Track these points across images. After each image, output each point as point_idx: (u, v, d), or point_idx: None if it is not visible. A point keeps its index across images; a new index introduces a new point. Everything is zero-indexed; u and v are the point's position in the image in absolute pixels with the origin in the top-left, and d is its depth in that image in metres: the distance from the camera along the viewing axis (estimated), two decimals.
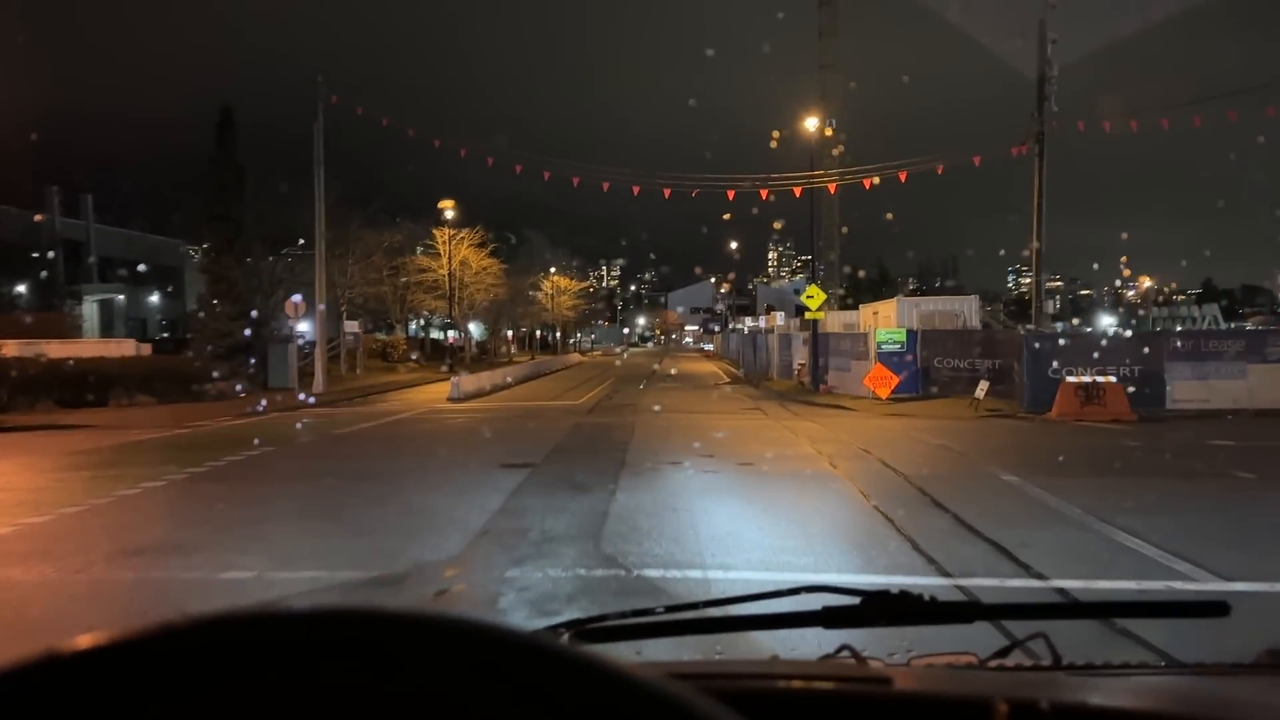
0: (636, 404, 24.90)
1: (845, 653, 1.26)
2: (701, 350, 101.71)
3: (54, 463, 13.74)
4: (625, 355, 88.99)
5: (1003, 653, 1.32)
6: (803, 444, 14.91)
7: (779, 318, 38.94)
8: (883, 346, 24.66)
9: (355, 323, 39.18)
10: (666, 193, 26.97)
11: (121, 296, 51.13)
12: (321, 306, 30.05)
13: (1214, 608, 1.30)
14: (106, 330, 48.65)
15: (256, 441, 15.99)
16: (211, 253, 30.02)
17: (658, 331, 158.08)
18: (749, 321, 70.20)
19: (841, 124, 39.79)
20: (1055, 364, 21.21)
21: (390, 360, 45.33)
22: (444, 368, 42.17)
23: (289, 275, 36.07)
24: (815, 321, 27.71)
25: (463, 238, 49.24)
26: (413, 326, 58.33)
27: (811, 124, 27.56)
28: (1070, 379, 20.42)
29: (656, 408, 23.34)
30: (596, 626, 1.35)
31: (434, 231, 48.44)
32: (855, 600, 1.23)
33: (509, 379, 35.58)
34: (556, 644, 0.38)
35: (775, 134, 27.66)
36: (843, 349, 27.43)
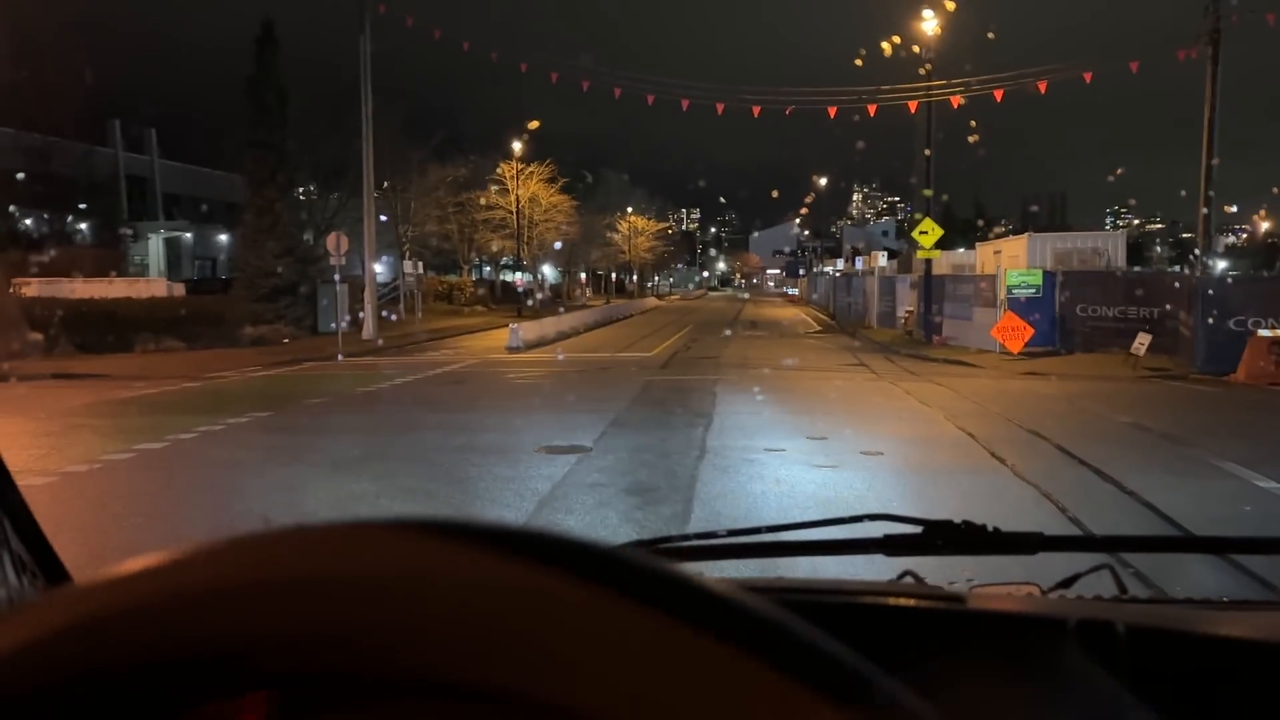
0: (718, 357, 21.57)
1: (908, 579, 1.20)
2: (784, 294, 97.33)
3: (25, 426, 11.15)
4: (704, 299, 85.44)
5: (1066, 583, 1.23)
6: (938, 417, 11.44)
7: (881, 258, 34.96)
8: (1014, 291, 20.76)
9: (414, 263, 36.51)
10: (756, 111, 23.27)
11: (189, 234, 49.59)
12: (369, 243, 27.34)
13: None
14: (174, 269, 47.18)
15: (256, 401, 13.24)
16: (252, 184, 27.45)
17: (738, 275, 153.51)
18: (840, 264, 65.77)
19: (955, 39, 35.07)
20: (1236, 314, 17.13)
21: (456, 303, 42.76)
22: (518, 312, 39.47)
23: (343, 211, 33.51)
24: (928, 262, 23.86)
25: (531, 172, 46.06)
26: (485, 269, 55.73)
27: (928, 26, 23.31)
28: (1263, 333, 16.36)
29: (742, 363, 19.98)
30: (662, 547, 1.32)
31: (501, 165, 45.37)
32: (917, 528, 1.21)
33: (578, 325, 32.55)
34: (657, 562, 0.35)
35: (888, 44, 23.48)
36: (960, 294, 23.56)
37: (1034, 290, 20.81)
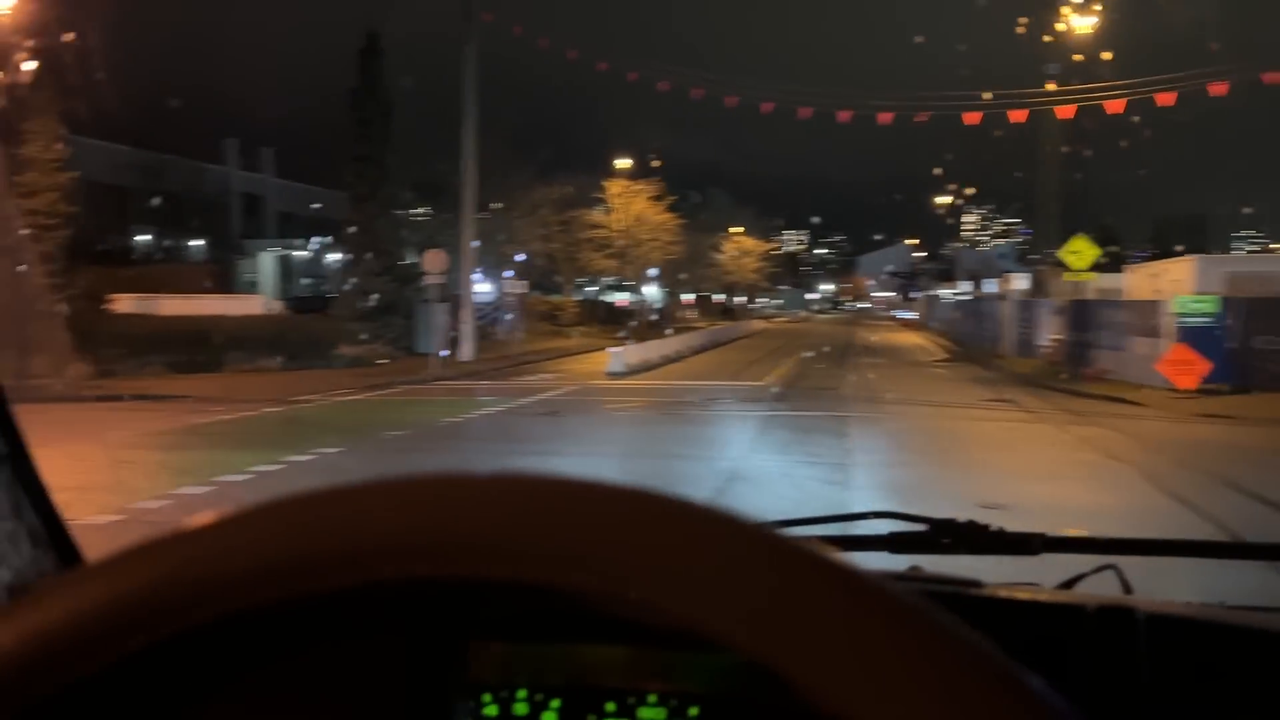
0: (839, 388, 19.52)
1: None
2: (895, 319, 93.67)
3: (68, 459, 10.07)
4: (810, 322, 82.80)
5: (1068, 584, 1.19)
6: (1135, 478, 9.25)
7: (1021, 281, 32.18)
8: (1185, 320, 18.10)
9: (518, 282, 35.49)
10: (884, 118, 21.22)
11: (300, 252, 50.03)
12: (469, 261, 26.31)
13: None
14: (285, 287, 47.60)
15: (333, 433, 11.96)
16: (353, 200, 26.77)
17: (846, 297, 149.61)
18: (964, 286, 62.31)
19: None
20: None
21: (558, 324, 41.64)
22: (621, 334, 38.10)
23: (445, 229, 32.72)
24: (1077, 285, 21.31)
25: (638, 190, 44.72)
26: (587, 289, 54.74)
27: (1081, 22, 20.87)
28: None
29: (868, 395, 17.88)
30: None
31: (605, 184, 44.18)
32: (922, 527, 1.23)
33: (683, 349, 30.85)
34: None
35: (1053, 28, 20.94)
36: (1115, 321, 20.92)
37: (1209, 319, 18.11)
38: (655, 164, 46.22)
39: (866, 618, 0.31)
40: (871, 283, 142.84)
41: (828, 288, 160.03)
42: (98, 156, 31.92)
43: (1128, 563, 1.20)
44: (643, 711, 0.88)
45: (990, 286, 38.81)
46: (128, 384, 18.50)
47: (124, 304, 22.28)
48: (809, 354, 31.98)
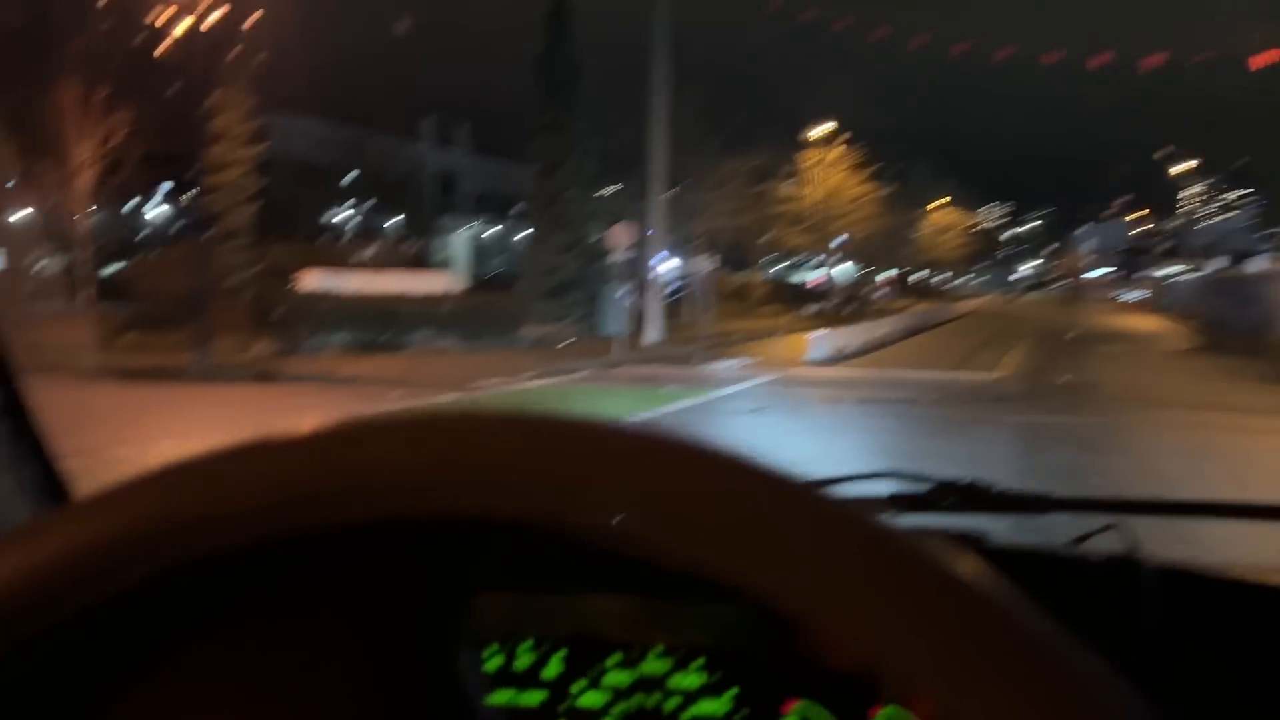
0: (1099, 384, 16.30)
1: None
2: (1115, 300, 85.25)
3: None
4: (1018, 303, 76.49)
5: (1076, 542, 1.18)
6: None
7: (1261, 260, 27.31)
8: None
9: (706, 259, 33.46)
10: (1149, 62, 17.60)
11: (491, 229, 50.10)
12: (657, 236, 24.51)
13: None
14: (478, 264, 47.78)
15: None
16: (540, 171, 25.52)
17: (1054, 275, 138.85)
18: (1220, 262, 55.24)
19: None
20: None
21: (746, 303, 39.40)
22: (812, 311, 35.52)
23: (634, 203, 31.09)
24: None
25: (836, 160, 41.63)
26: (776, 266, 52.06)
27: None
28: None
29: (1143, 396, 14.65)
30: None
31: (800, 154, 41.34)
32: (925, 487, 1.20)
33: (890, 333, 27.89)
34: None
35: None
36: None
37: None
38: (849, 134, 42.95)
39: (888, 562, 0.31)
40: (1086, 260, 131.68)
41: (1032, 265, 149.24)
42: (295, 134, 32.32)
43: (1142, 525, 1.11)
44: (648, 664, 0.89)
45: (1260, 264, 33.36)
46: (308, 364, 17.85)
47: (310, 280, 21.89)
48: (1034, 339, 28.25)
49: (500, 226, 49.41)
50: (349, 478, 0.34)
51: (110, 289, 22.74)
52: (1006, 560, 0.92)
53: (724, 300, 37.89)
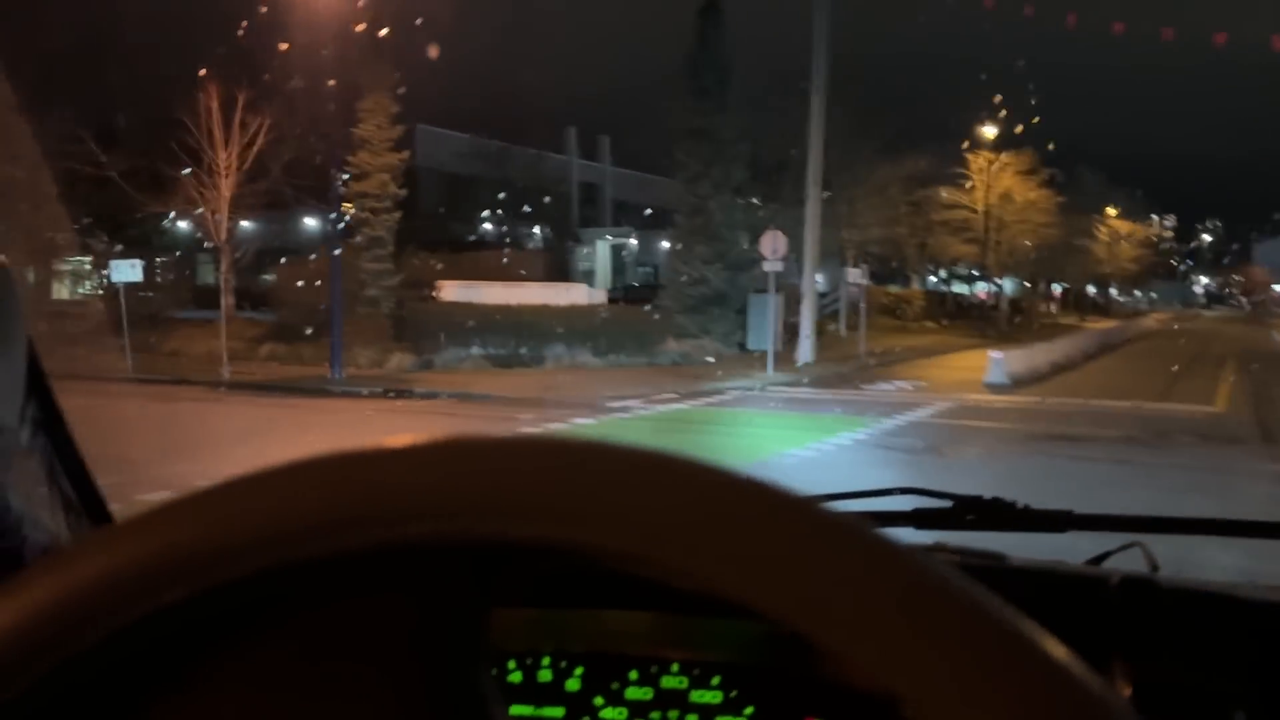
0: None
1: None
2: None
3: None
4: (1199, 319, 69.98)
5: (1096, 561, 1.20)
6: None
7: None
8: None
9: (861, 271, 31.27)
10: None
11: (633, 240, 49.25)
12: (813, 246, 22.75)
13: None
14: (618, 276, 46.97)
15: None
16: (685, 179, 24.15)
17: (1236, 291, 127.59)
18: None
19: None
20: None
21: (901, 319, 36.85)
22: (980, 332, 32.77)
23: (783, 211, 29.33)
24: None
25: (1006, 163, 38.56)
26: (931, 279, 48.96)
27: None
28: None
29: None
30: None
31: (967, 157, 38.51)
32: (947, 503, 1.23)
33: (1072, 353, 25.04)
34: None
35: None
36: None
37: None
38: (1017, 134, 39.67)
39: (891, 584, 0.31)
40: (1271, 273, 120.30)
41: (1209, 279, 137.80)
42: (437, 144, 32.21)
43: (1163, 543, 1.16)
44: (666, 679, 0.90)
45: None
46: (443, 378, 17.03)
47: (449, 291, 21.22)
48: (1238, 362, 24.83)
49: (640, 238, 48.53)
50: (373, 502, 0.34)
51: (253, 297, 22.77)
52: (1025, 580, 0.99)
53: (877, 314, 35.57)
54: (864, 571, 0.31)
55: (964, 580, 0.32)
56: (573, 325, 20.43)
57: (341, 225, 18.83)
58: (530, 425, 11.93)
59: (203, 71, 17.41)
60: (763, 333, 21.97)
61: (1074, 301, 66.24)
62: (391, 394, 15.48)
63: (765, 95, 27.98)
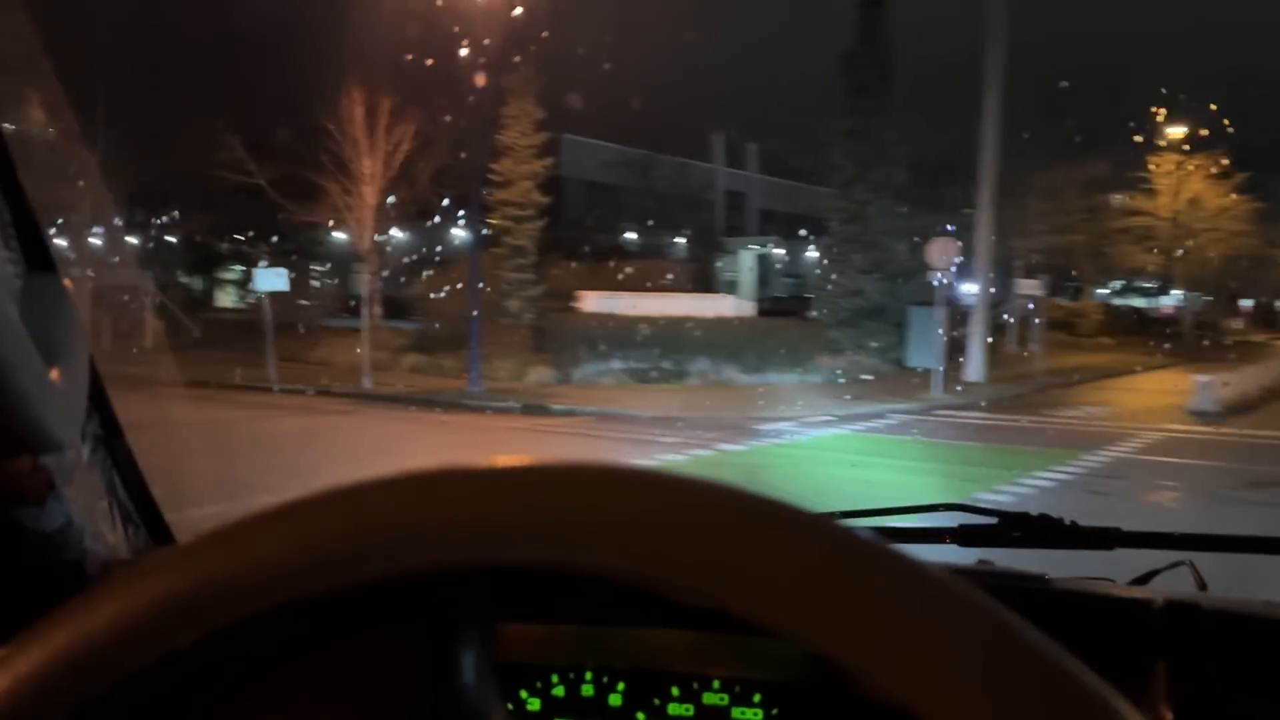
0: None
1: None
2: None
3: None
4: None
5: (1142, 580, 1.18)
6: None
7: None
8: None
9: (1034, 282, 28.75)
10: None
11: (779, 250, 47.70)
12: (985, 253, 20.84)
13: None
14: (763, 287, 45.52)
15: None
16: (840, 183, 22.63)
17: None
18: None
19: None
20: None
21: (1075, 334, 33.90)
22: (1164, 346, 29.63)
23: (943, 219, 27.26)
24: None
25: (1195, 166, 35.03)
26: (1098, 291, 45.19)
27: None
28: None
29: None
30: None
31: (1151, 160, 35.19)
32: (993, 520, 1.20)
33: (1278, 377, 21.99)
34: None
35: None
36: None
37: None
38: (1207, 135, 35.89)
39: (923, 610, 0.31)
40: None
41: None
42: (580, 153, 31.69)
43: (1211, 560, 1.13)
44: (707, 696, 0.91)
45: None
46: (581, 394, 16.14)
47: (590, 302, 20.43)
48: None
49: (786, 247, 46.89)
50: (402, 530, 0.35)
51: (397, 307, 22.63)
52: (1067, 601, 0.96)
53: (1050, 328, 32.79)
54: (882, 590, 0.31)
55: (988, 599, 0.32)
56: (718, 339, 19.25)
57: (483, 233, 18.31)
58: (671, 451, 10.81)
59: (349, 77, 17.18)
60: (926, 349, 20.15)
61: (1262, 317, 60.20)
62: (526, 410, 14.72)
63: (929, 94, 26.06)
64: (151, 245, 25.82)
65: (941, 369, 18.46)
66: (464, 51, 17.05)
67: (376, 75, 17.46)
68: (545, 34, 19.25)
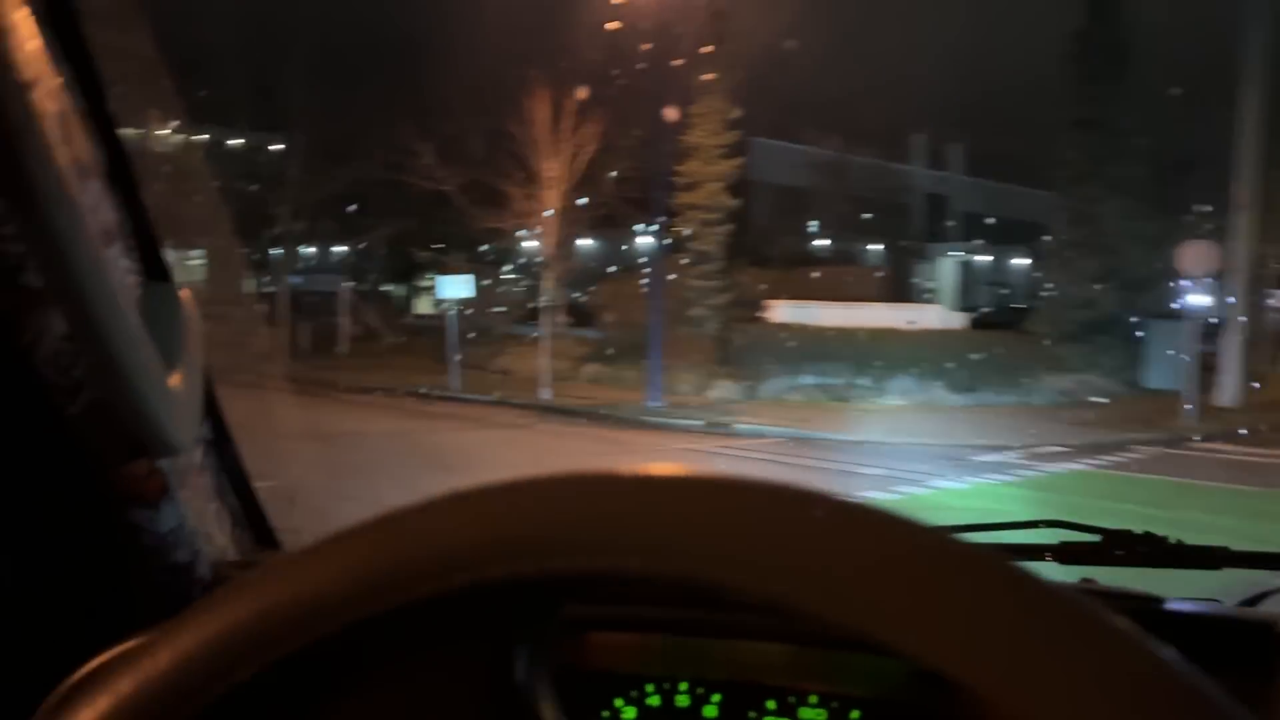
0: None
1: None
2: None
3: None
4: None
5: (1252, 601, 1.13)
6: None
7: None
8: None
9: None
10: None
11: (985, 257, 44.41)
12: (1244, 258, 17.94)
13: None
14: (967, 296, 42.55)
15: None
16: (1068, 179, 20.15)
17: None
18: None
19: None
20: None
21: None
22: None
23: (1182, 223, 24.00)
24: None
25: None
26: None
27: None
28: None
29: None
30: None
31: None
32: (1096, 537, 1.16)
33: None
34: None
35: None
36: None
37: None
38: None
39: (1050, 627, 0.30)
40: None
41: None
42: (771, 157, 30.29)
43: None
44: (804, 711, 0.89)
45: None
46: (767, 411, 14.79)
47: (779, 312, 19.05)
48: None
49: (993, 253, 43.51)
50: (527, 536, 0.35)
51: (582, 315, 22.05)
52: (1181, 623, 0.94)
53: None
54: (1013, 611, 0.30)
55: (1127, 623, 0.30)
56: (922, 353, 17.39)
57: (667, 239, 17.33)
58: (876, 488, 9.31)
59: (533, 76, 16.64)
60: (1169, 368, 17.49)
61: None
62: (706, 429, 13.55)
63: (1172, 78, 22.95)
64: (349, 253, 26.62)
65: (1190, 391, 15.85)
66: (650, 47, 16.20)
67: (560, 74, 16.86)
68: (733, 25, 18.11)
